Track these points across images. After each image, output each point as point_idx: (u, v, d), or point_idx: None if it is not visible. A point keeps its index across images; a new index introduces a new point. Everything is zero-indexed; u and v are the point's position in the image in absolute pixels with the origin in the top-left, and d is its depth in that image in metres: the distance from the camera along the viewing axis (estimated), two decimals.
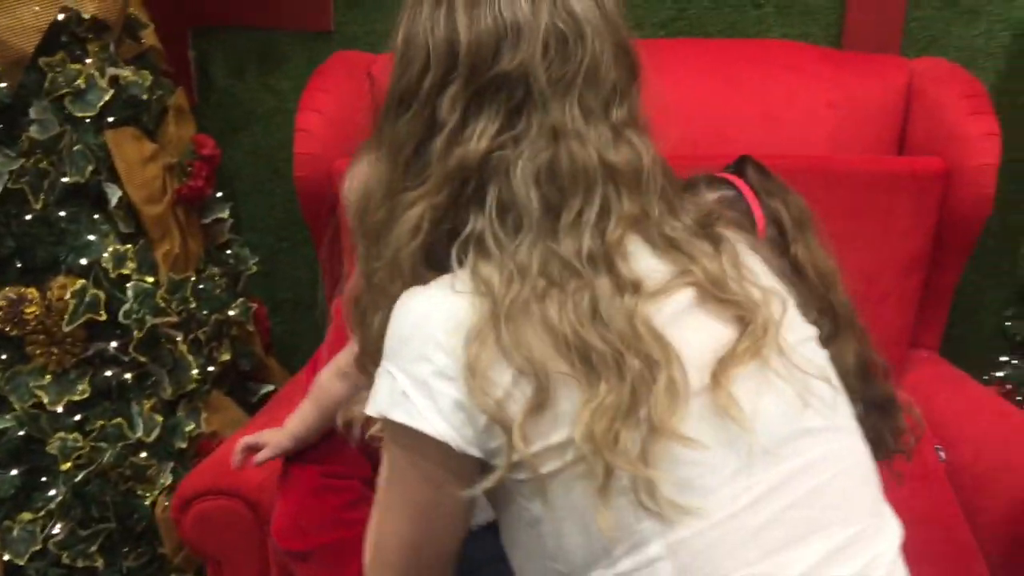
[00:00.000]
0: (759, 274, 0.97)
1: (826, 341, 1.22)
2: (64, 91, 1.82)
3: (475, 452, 0.90)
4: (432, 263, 0.94)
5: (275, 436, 1.43)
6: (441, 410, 0.89)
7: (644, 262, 0.91)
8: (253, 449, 1.43)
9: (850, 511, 0.94)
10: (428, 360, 0.89)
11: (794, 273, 1.22)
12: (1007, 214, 2.28)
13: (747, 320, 0.90)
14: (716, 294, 0.90)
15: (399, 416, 0.90)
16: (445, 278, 0.93)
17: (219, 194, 2.16)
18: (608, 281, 0.88)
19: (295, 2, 2.35)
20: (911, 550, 1.62)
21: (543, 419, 0.86)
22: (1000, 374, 2.12)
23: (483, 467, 0.91)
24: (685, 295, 0.90)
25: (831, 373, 0.98)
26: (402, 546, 0.96)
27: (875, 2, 2.26)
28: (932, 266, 2.03)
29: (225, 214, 2.15)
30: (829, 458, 0.93)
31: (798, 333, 0.97)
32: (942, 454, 1.87)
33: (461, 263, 0.92)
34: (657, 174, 0.92)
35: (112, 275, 1.87)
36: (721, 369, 0.87)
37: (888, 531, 0.98)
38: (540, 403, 0.86)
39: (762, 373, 0.89)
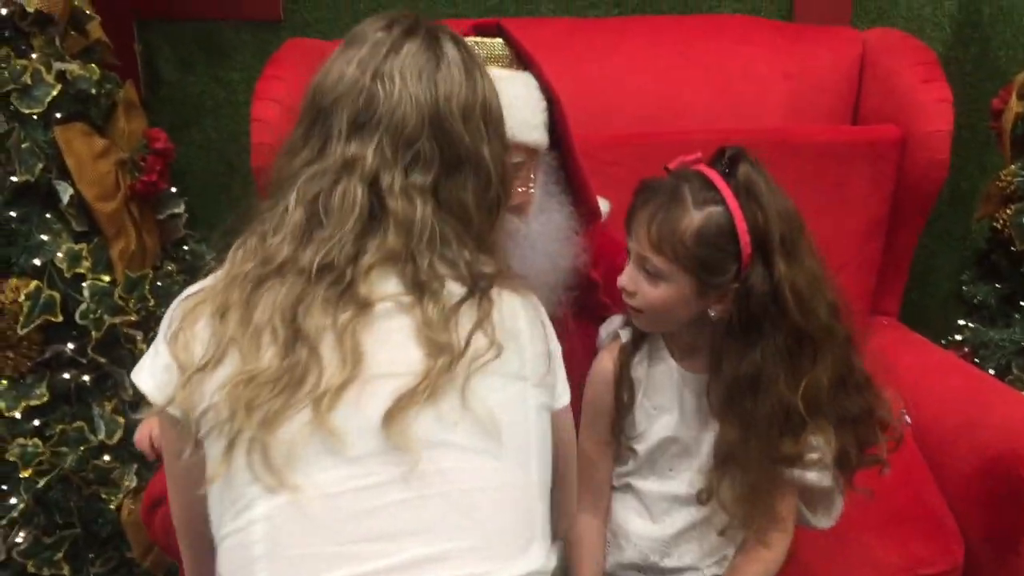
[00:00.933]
0: (497, 325, 1.05)
1: (804, 369, 1.23)
2: (10, 87, 1.77)
3: (176, 412, 1.03)
4: None
5: None
6: (154, 367, 1.06)
7: (386, 289, 1.03)
8: None
9: (469, 527, 0.99)
10: (164, 330, 1.06)
11: (773, 300, 1.21)
12: (959, 180, 2.32)
13: (436, 357, 1.00)
14: (426, 332, 1.01)
15: (132, 373, 1.09)
16: None
17: (173, 189, 2.12)
18: (328, 289, 1.00)
19: None
20: (885, 513, 1.65)
21: (211, 377, 0.99)
22: (958, 337, 2.16)
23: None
24: (402, 323, 1.02)
25: (502, 417, 1.03)
26: (171, 498, 1.14)
27: None
28: (890, 233, 2.06)
29: (180, 209, 2.10)
30: (466, 475, 1.00)
31: (495, 379, 1.03)
32: (907, 418, 1.90)
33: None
34: (429, 230, 1.04)
35: (67, 275, 1.83)
36: (396, 405, 0.98)
37: (518, 563, 1.02)
38: (212, 361, 1.00)
39: (430, 402, 0.99)
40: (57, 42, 1.85)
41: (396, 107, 1.05)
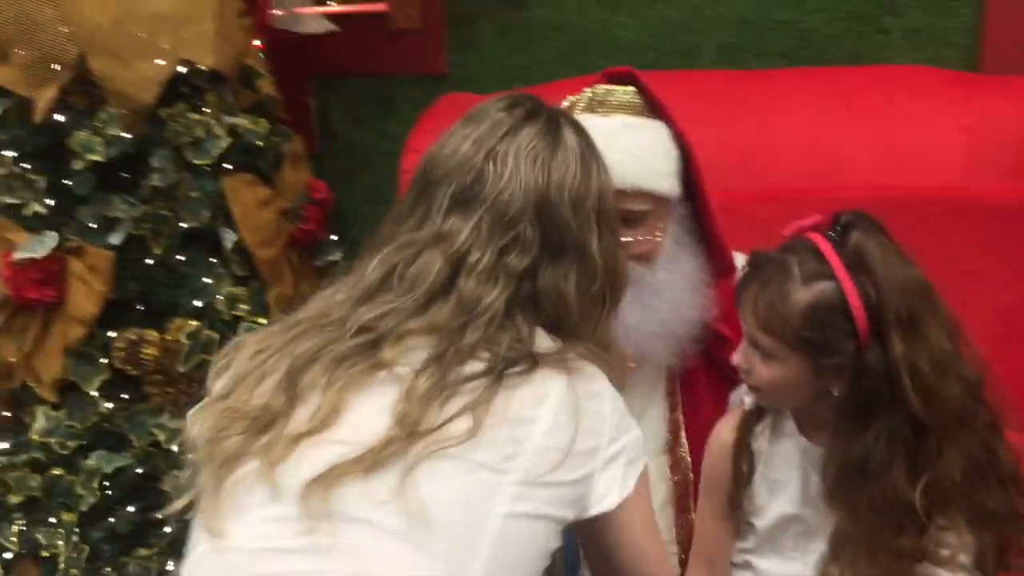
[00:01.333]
0: (495, 410, 0.97)
1: (927, 458, 1.12)
2: (183, 140, 1.89)
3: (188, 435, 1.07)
4: None
5: None
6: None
7: (412, 358, 0.99)
8: None
9: None
10: None
11: (886, 382, 1.11)
12: None
13: (395, 431, 0.95)
14: (403, 404, 0.96)
15: None
16: None
17: (334, 237, 2.20)
18: (352, 347, 1.00)
19: (410, 48, 2.40)
20: None
21: (216, 407, 1.02)
22: None
23: None
24: (390, 391, 0.98)
25: (439, 506, 0.94)
26: None
27: (1015, 23, 2.12)
28: None
29: (338, 257, 2.18)
30: (376, 558, 0.93)
31: (455, 464, 0.95)
32: None
33: None
34: (493, 311, 1.01)
35: (226, 317, 1.92)
36: (326, 472, 0.94)
37: None
38: (221, 394, 1.03)
39: (364, 476, 0.94)
40: (229, 98, 1.96)
41: (504, 188, 1.04)
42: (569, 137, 1.09)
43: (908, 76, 2.05)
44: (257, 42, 2.15)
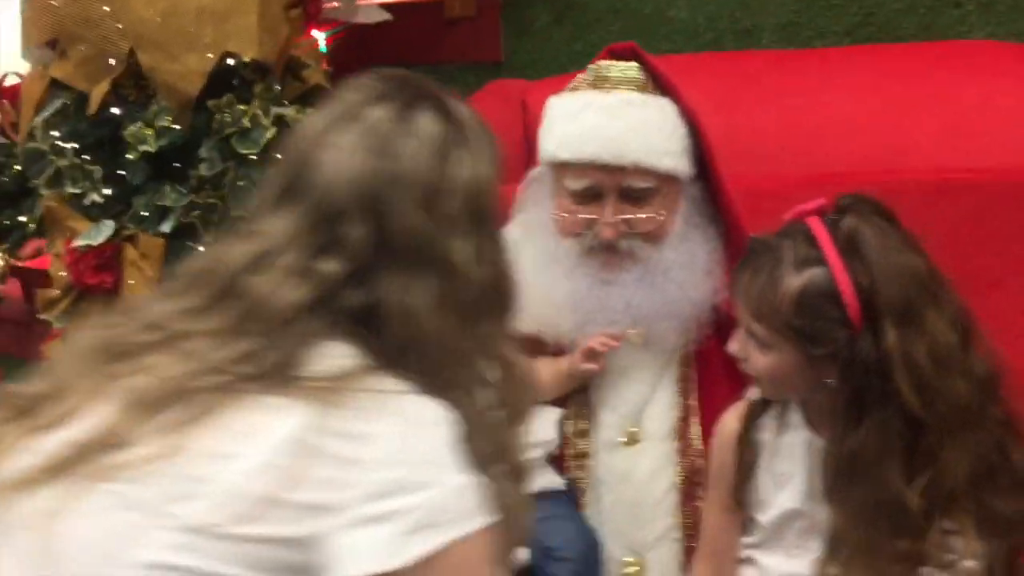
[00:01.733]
0: (194, 435, 0.82)
1: (927, 456, 1.05)
2: (230, 130, 1.93)
3: None
4: None
5: None
6: None
7: (176, 364, 0.86)
8: None
9: None
10: None
11: (878, 374, 1.05)
12: None
13: (96, 438, 0.84)
14: (120, 413, 0.85)
15: None
16: None
17: None
18: (131, 345, 0.89)
19: (465, 35, 2.39)
20: None
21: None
22: None
23: None
24: (115, 403, 0.86)
25: (71, 543, 0.81)
26: None
27: None
28: None
29: None
30: None
31: (112, 497, 0.81)
32: None
33: None
34: (275, 323, 0.86)
35: None
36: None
37: None
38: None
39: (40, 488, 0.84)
40: (276, 88, 1.99)
41: (329, 180, 0.88)
42: (426, 124, 0.90)
43: (976, 52, 1.94)
44: (316, 33, 2.20)
